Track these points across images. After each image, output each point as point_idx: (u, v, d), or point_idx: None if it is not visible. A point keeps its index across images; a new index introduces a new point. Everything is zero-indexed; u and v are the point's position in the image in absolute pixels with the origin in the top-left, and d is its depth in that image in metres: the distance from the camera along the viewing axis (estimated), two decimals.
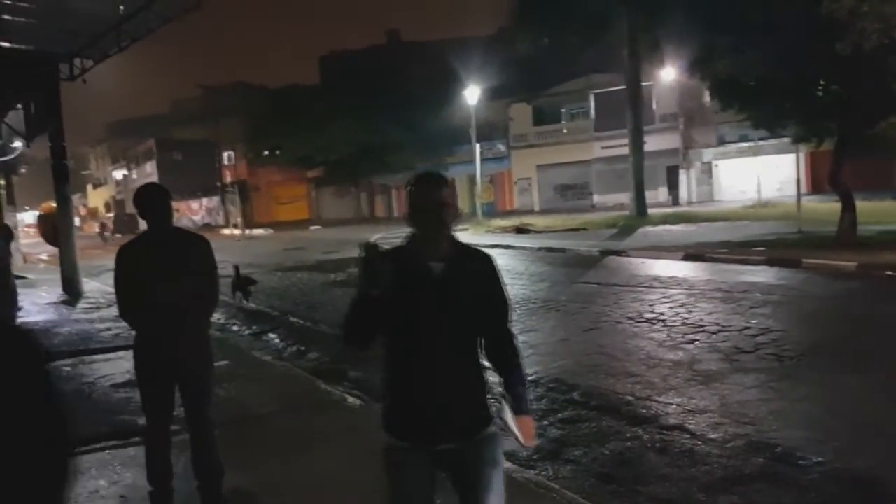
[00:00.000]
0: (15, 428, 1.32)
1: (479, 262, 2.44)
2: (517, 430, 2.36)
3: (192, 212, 58.77)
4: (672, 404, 5.58)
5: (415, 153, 42.59)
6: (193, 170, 56.06)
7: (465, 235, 25.12)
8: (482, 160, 33.70)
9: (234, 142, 53.54)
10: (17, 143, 19.50)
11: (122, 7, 9.23)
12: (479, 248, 2.47)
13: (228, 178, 54.77)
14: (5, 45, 11.03)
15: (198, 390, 3.88)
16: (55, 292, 14.67)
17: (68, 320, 11.27)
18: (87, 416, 5.86)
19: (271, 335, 9.78)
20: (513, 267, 15.31)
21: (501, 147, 43.68)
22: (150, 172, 59.09)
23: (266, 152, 49.40)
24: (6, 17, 9.47)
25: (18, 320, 10.50)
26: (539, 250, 18.27)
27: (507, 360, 2.49)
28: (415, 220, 2.33)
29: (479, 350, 2.44)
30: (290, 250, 24.89)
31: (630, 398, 5.80)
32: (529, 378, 6.65)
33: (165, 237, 3.77)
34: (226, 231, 43.45)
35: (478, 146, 32.72)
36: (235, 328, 10.49)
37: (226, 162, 57.34)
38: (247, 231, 40.63)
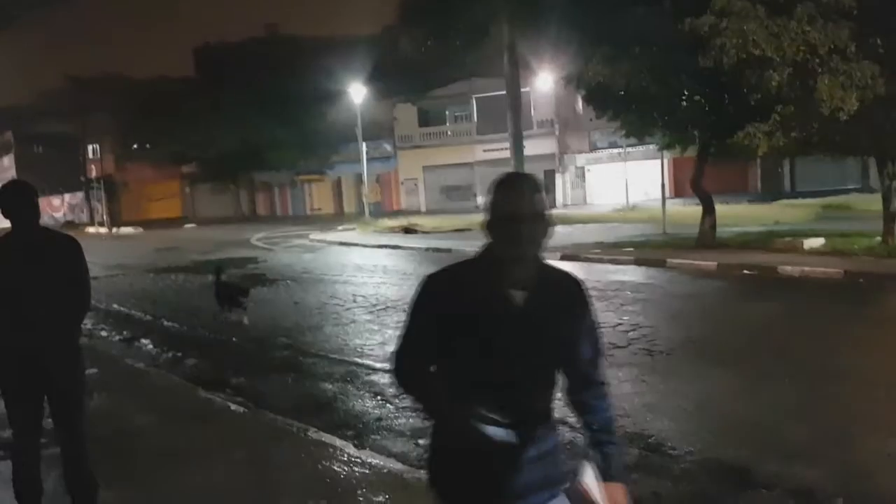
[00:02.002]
0: None
1: (569, 290, 1.98)
2: (601, 499, 1.92)
3: (52, 208, 54.77)
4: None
5: (299, 151, 41.84)
6: (56, 164, 52.24)
7: (353, 235, 24.94)
8: (368, 160, 33.60)
9: (102, 136, 50.48)
10: None
11: None
12: (566, 271, 2.04)
13: (94, 174, 51.53)
14: None
15: (68, 402, 3.63)
16: None
17: None
18: None
19: (144, 341, 9.28)
20: (402, 268, 15.38)
21: (388, 147, 43.70)
22: (7, 166, 54.71)
23: (135, 146, 46.96)
24: None
25: None
26: (427, 250, 18.44)
27: (597, 410, 2.04)
28: (496, 234, 1.85)
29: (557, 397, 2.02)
30: (163, 250, 23.70)
31: None
32: None
33: (31, 239, 3.51)
34: (91, 229, 40.82)
35: (364, 145, 32.57)
36: (104, 334, 9.89)
37: (91, 156, 53.86)
38: (114, 229, 38.40)
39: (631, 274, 12.87)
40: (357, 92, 31.42)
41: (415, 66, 34.03)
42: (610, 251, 15.49)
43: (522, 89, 29.24)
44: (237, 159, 42.79)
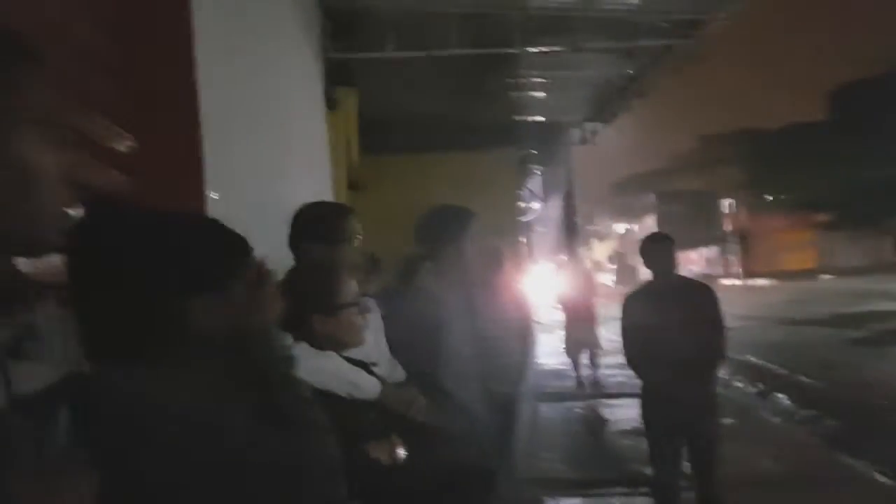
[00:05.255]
0: None
1: None
2: None
3: (690, 262, 59.02)
4: None
5: None
6: (692, 221, 56.54)
7: None
8: None
9: (735, 189, 52.44)
10: (535, 204, 22.35)
11: (630, 70, 9.70)
12: None
13: (728, 227, 53.69)
14: (531, 118, 12.78)
15: (703, 446, 3.73)
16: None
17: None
18: (597, 460, 6.20)
19: (779, 395, 8.97)
20: None
21: None
22: (650, 226, 61.70)
23: (769, 198, 47.13)
24: (532, 94, 10.98)
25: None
26: None
27: None
28: None
29: None
30: (795, 302, 22.84)
31: None
32: None
33: (669, 286, 3.77)
34: (724, 281, 42.30)
35: None
36: (739, 384, 9.93)
37: (725, 210, 56.38)
38: (747, 281, 38.97)
39: None
40: None
41: None
42: None
43: None
44: (879, 202, 38.62)
